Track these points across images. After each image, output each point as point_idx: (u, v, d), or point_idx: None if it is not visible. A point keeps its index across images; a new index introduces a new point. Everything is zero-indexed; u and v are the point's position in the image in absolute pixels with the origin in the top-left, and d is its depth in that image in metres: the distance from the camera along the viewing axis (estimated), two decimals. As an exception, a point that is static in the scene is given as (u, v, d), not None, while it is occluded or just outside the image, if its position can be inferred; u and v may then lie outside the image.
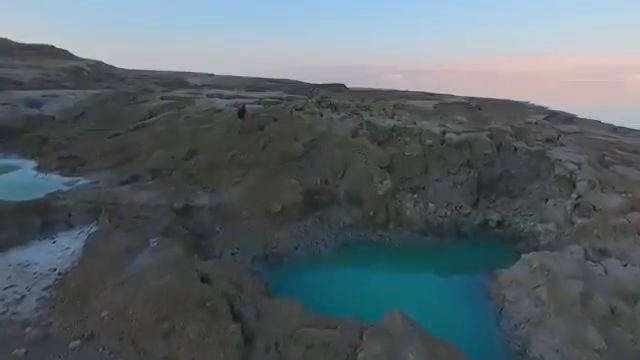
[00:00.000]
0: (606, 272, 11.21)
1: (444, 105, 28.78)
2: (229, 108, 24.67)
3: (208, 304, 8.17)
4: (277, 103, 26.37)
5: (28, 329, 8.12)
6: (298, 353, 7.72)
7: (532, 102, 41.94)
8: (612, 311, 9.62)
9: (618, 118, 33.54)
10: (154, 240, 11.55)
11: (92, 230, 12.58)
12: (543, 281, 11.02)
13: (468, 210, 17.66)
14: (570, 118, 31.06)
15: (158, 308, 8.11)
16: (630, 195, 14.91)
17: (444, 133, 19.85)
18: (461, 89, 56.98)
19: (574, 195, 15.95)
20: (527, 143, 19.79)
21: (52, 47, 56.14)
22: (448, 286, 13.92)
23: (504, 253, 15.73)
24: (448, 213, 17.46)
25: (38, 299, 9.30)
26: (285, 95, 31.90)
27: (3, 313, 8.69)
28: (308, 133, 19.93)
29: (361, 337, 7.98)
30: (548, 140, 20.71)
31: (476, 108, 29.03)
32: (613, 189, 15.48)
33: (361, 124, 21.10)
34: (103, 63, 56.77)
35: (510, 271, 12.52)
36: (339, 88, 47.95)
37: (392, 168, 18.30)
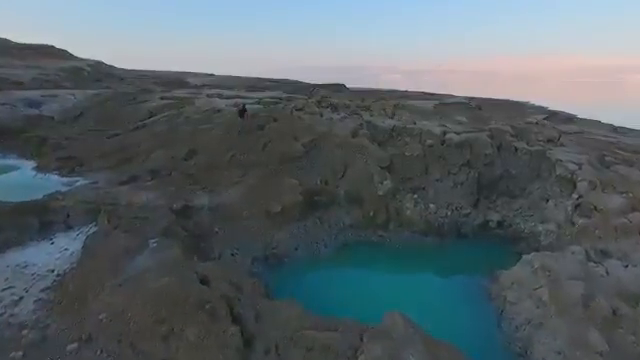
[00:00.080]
0: (607, 273, 11.14)
1: (444, 105, 28.71)
2: (229, 108, 24.62)
3: (207, 306, 8.10)
4: (277, 103, 26.31)
5: (25, 331, 8.05)
6: (298, 356, 7.65)
7: (532, 102, 41.90)
8: (614, 312, 9.56)
9: (618, 118, 33.49)
10: (153, 241, 11.48)
11: (91, 231, 12.51)
12: (544, 282, 10.96)
13: (468, 210, 17.60)
14: (570, 118, 31.01)
15: (157, 310, 8.03)
16: (631, 195, 14.84)
17: (444, 133, 19.79)
18: (461, 89, 56.95)
19: (575, 195, 15.89)
20: (528, 143, 19.73)
21: (52, 47, 56.07)
22: (448, 287, 13.86)
23: (505, 254, 15.67)
24: (448, 213, 17.41)
25: (36, 301, 9.23)
26: (285, 95, 31.84)
27: (1, 315, 8.63)
28: (308, 133, 19.87)
29: (361, 339, 7.92)
30: (549, 140, 20.65)
31: (476, 108, 28.97)
32: (614, 189, 15.42)
33: (361, 124, 21.04)
34: (103, 63, 56.71)
35: (511, 272, 12.46)
36: (339, 88, 47.88)
37: (392, 168, 18.23)
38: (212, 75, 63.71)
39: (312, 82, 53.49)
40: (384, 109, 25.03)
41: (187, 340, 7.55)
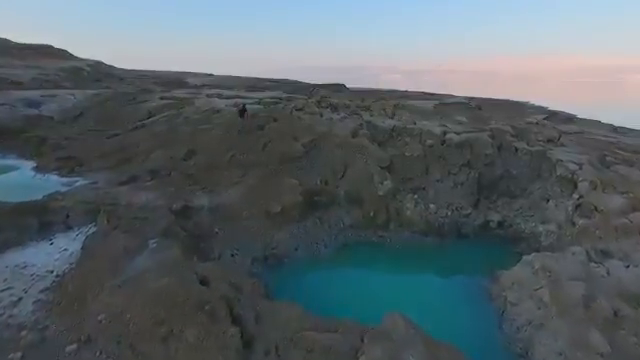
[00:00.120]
0: (608, 273, 11.10)
1: (444, 105, 28.69)
2: (228, 108, 24.58)
3: (207, 307, 8.07)
4: (277, 103, 26.27)
5: (24, 332, 8.01)
6: (298, 357, 7.62)
7: (532, 102, 41.87)
8: (615, 313, 9.52)
9: (618, 118, 33.48)
10: (153, 241, 11.44)
11: (90, 231, 12.48)
12: (545, 283, 10.93)
13: (469, 211, 17.57)
14: (570, 118, 30.99)
15: (156, 311, 8.00)
16: (632, 195, 14.80)
17: (444, 133, 19.76)
18: (461, 89, 56.94)
19: (575, 195, 15.86)
20: (528, 143, 19.70)
21: (51, 47, 56.01)
22: (449, 287, 13.83)
23: (505, 254, 15.64)
24: (449, 214, 17.37)
25: (35, 302, 9.19)
26: (285, 95, 31.79)
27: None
28: (308, 133, 19.84)
29: (362, 340, 7.89)
30: (549, 140, 20.63)
31: (476, 108, 28.94)
32: (614, 189, 15.39)
33: (361, 124, 21.01)
34: (102, 63, 56.66)
35: (511, 272, 12.42)
36: (339, 88, 47.84)
37: (392, 168, 18.20)
38: (212, 75, 63.63)
39: (312, 82, 53.44)
40: (384, 109, 25.00)
41: (186, 341, 7.51)
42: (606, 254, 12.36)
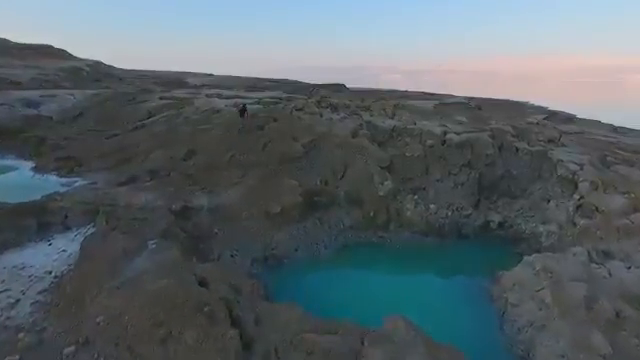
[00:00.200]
0: (610, 274, 11.05)
1: (444, 105, 28.63)
2: (228, 108, 24.53)
3: (206, 309, 8.00)
4: (277, 103, 26.22)
5: (22, 334, 7.93)
6: None
7: (532, 102, 41.81)
8: (617, 315, 9.46)
9: (618, 118, 33.43)
10: (152, 242, 11.38)
11: (89, 232, 12.40)
12: (546, 284, 10.86)
13: (469, 211, 17.50)
14: (570, 118, 30.93)
15: (155, 313, 7.94)
16: (633, 196, 14.76)
17: (445, 133, 19.70)
18: (461, 89, 56.86)
19: (576, 196, 15.81)
20: (529, 143, 19.64)
21: (51, 47, 55.94)
22: (449, 288, 13.77)
23: (506, 254, 15.59)
24: (449, 214, 17.31)
25: (33, 303, 9.11)
26: (285, 95, 31.74)
27: (-3, 318, 8.52)
28: (308, 133, 19.78)
29: (362, 343, 7.83)
30: (550, 140, 20.57)
31: (476, 108, 28.89)
32: (615, 190, 15.34)
33: (361, 124, 20.95)
34: (102, 63, 56.59)
35: (512, 273, 12.35)
36: (339, 88, 47.77)
37: (392, 169, 18.14)
38: (211, 75, 63.55)
39: (312, 82, 53.36)
40: (384, 109, 24.94)
41: (185, 343, 7.45)
42: (607, 255, 12.31)
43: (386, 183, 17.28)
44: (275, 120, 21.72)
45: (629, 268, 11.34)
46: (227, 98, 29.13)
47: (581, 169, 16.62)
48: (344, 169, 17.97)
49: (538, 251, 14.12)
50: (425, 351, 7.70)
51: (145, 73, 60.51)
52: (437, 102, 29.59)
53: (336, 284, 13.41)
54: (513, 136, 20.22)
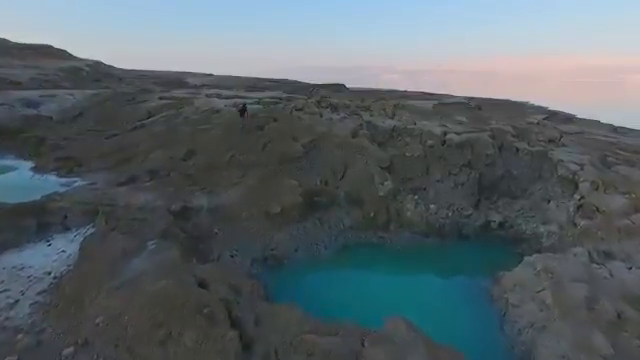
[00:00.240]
0: (611, 275, 11.01)
1: (444, 105, 28.60)
2: (228, 108, 24.49)
3: (205, 310, 7.97)
4: (277, 103, 26.19)
5: (20, 336, 7.90)
6: (298, 361, 7.52)
7: (532, 102, 41.75)
8: (618, 315, 9.43)
9: (618, 118, 33.40)
10: (151, 243, 11.35)
11: (88, 232, 12.37)
12: (547, 284, 10.83)
13: (469, 211, 17.47)
14: (569, 118, 30.88)
15: (154, 314, 7.90)
16: (633, 196, 14.73)
17: (445, 133, 19.67)
18: (461, 89, 56.85)
19: (577, 196, 15.78)
20: (529, 143, 19.61)
21: (50, 47, 55.90)
22: (450, 289, 13.73)
23: (506, 255, 15.56)
24: (449, 214, 17.28)
25: (32, 304, 9.09)
26: (285, 95, 31.70)
27: (-4, 319, 8.48)
28: (308, 133, 19.74)
29: (363, 344, 7.79)
30: (550, 140, 20.53)
31: (476, 108, 28.85)
32: (616, 190, 15.31)
33: (361, 124, 20.92)
34: (102, 63, 56.55)
35: (513, 274, 12.31)
36: (339, 88, 47.71)
37: (393, 169, 18.11)
38: (211, 75, 63.48)
39: (312, 82, 53.29)
40: (384, 109, 24.91)
41: (185, 345, 7.41)
42: (608, 255, 12.27)
43: (386, 183, 17.24)
44: (275, 120, 21.69)
45: (630, 269, 11.31)
46: (227, 98, 29.09)
47: (582, 169, 16.59)
48: (344, 169, 17.94)
49: (539, 251, 14.09)
50: (426, 352, 7.67)
51: (145, 73, 60.44)
52: (437, 102, 29.55)
53: (336, 285, 13.37)
54: (513, 136, 20.19)
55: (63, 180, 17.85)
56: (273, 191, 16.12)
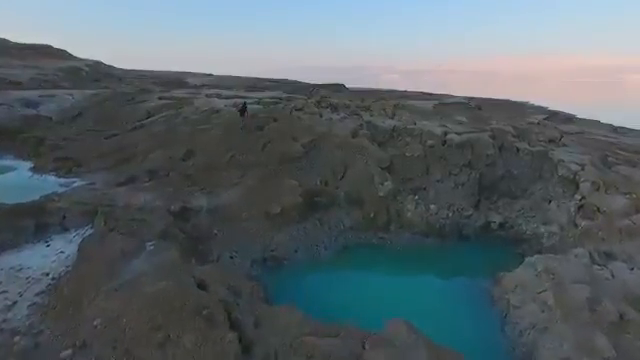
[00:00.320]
0: (613, 276, 10.96)
1: (444, 105, 28.54)
2: (228, 108, 24.42)
3: (205, 312, 7.89)
4: (276, 103, 26.13)
5: (17, 338, 7.83)
6: (298, 363, 7.45)
7: (532, 102, 41.69)
8: (620, 317, 9.36)
9: (618, 118, 33.37)
10: (150, 244, 11.28)
11: (87, 233, 12.30)
12: (548, 285, 10.77)
13: (470, 211, 17.40)
14: (569, 118, 30.85)
15: (153, 316, 7.83)
16: (634, 196, 14.68)
17: (445, 134, 19.60)
18: (461, 89, 56.80)
19: (578, 196, 15.72)
20: (529, 144, 19.55)
21: (50, 47, 55.90)
22: (450, 290, 13.67)
23: (507, 255, 15.52)
24: (450, 215, 17.22)
25: (30, 305, 9.01)
26: (284, 95, 31.64)
27: (-7, 320, 8.41)
28: (308, 134, 19.68)
29: (364, 346, 7.72)
30: (550, 140, 20.48)
31: (476, 108, 28.79)
32: (617, 190, 15.26)
33: (361, 124, 20.86)
34: (102, 63, 56.52)
35: (514, 275, 12.25)
36: (339, 88, 47.66)
37: (393, 169, 18.04)
38: (211, 75, 63.40)
39: (312, 82, 53.23)
40: (384, 109, 24.84)
41: (184, 347, 7.34)
42: (610, 256, 12.22)
43: (386, 183, 17.18)
44: (275, 120, 21.62)
45: (632, 269, 11.26)
46: (227, 98, 29.02)
47: (582, 169, 16.52)
48: (344, 169, 17.87)
49: (539, 252, 14.04)
50: (427, 355, 7.60)
51: (144, 73, 60.37)
52: (437, 102, 29.48)
53: (336, 286, 13.31)
54: (514, 136, 20.13)
55: (62, 180, 17.79)
56: (273, 191, 16.05)
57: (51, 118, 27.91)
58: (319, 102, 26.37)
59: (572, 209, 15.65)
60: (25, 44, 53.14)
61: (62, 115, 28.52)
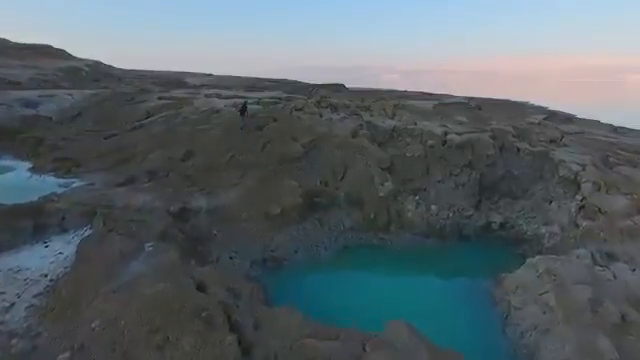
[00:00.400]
0: (615, 277, 10.91)
1: (444, 105, 28.45)
2: (228, 108, 24.34)
3: (204, 314, 7.83)
4: (276, 103, 26.04)
5: (15, 340, 7.77)
6: (298, 365, 7.38)
7: (532, 102, 41.60)
8: (623, 318, 9.31)
9: (618, 118, 33.31)
10: (149, 245, 11.21)
11: (86, 234, 12.23)
12: (550, 287, 10.70)
13: (470, 212, 17.35)
14: (569, 118, 30.77)
15: (151, 318, 7.76)
16: (636, 197, 14.62)
17: (445, 134, 19.54)
18: (461, 89, 56.69)
19: (579, 197, 15.66)
20: (530, 144, 19.48)
21: (50, 47, 55.77)
22: (451, 291, 13.61)
23: (508, 256, 15.47)
24: (450, 215, 17.16)
25: (27, 307, 8.95)
26: (284, 95, 31.53)
27: (-10, 322, 8.35)
28: (308, 134, 19.61)
29: (364, 349, 7.65)
30: (551, 141, 20.42)
31: (476, 108, 28.71)
32: (618, 191, 15.19)
33: (361, 124, 20.79)
34: (101, 63, 56.40)
35: (515, 276, 12.19)
36: (339, 88, 47.54)
37: (393, 169, 17.98)
38: (211, 75, 63.27)
39: (312, 82, 53.10)
40: (384, 109, 24.77)
41: (183, 350, 7.27)
42: (611, 257, 12.17)
43: (386, 184, 17.11)
44: (275, 120, 21.55)
45: (634, 270, 11.20)
46: (226, 98, 28.92)
47: (583, 170, 16.46)
48: (344, 170, 17.80)
49: (540, 252, 14.00)
50: (428, 357, 7.54)
51: (144, 73, 60.21)
52: (437, 102, 29.40)
53: (336, 287, 13.25)
54: (514, 136, 20.07)
55: (61, 181, 17.68)
56: (273, 192, 15.98)
57: (50, 118, 27.80)
58: (319, 102, 26.29)
59: (573, 209, 15.59)
60: (24, 44, 53.02)
61: (61, 115, 28.41)
